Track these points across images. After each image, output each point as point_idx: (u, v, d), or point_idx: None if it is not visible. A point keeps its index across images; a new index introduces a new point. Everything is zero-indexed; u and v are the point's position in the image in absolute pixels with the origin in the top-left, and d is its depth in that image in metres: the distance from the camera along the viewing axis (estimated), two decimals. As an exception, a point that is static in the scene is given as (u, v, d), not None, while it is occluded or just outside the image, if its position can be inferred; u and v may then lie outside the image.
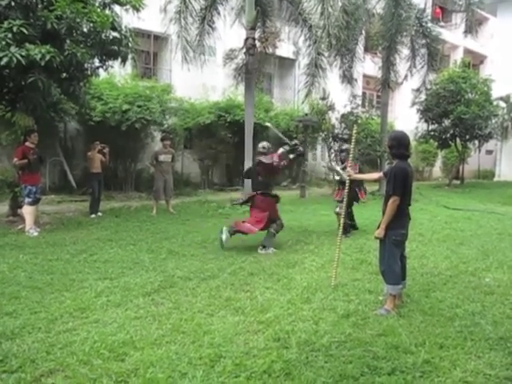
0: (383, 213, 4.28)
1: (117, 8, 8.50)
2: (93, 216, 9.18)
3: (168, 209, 10.17)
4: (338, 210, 7.70)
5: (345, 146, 8.32)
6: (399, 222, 4.21)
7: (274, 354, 3.25)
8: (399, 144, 4.25)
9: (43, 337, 3.47)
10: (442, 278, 5.34)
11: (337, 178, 7.83)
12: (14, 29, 6.68)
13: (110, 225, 8.36)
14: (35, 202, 7.71)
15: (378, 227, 4.28)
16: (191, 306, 4.23)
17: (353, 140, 4.98)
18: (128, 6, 8.33)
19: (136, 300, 4.35)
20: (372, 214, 8.94)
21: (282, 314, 4.05)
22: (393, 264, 4.23)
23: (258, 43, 12.00)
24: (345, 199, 5.09)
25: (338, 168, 7.57)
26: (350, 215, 7.99)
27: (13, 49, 6.63)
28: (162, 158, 10.09)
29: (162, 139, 10.57)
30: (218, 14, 12.39)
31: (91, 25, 7.50)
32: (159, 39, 15.30)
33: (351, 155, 5.08)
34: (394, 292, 4.22)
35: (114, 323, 3.77)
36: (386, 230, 4.19)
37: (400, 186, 4.13)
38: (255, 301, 4.38)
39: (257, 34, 12.12)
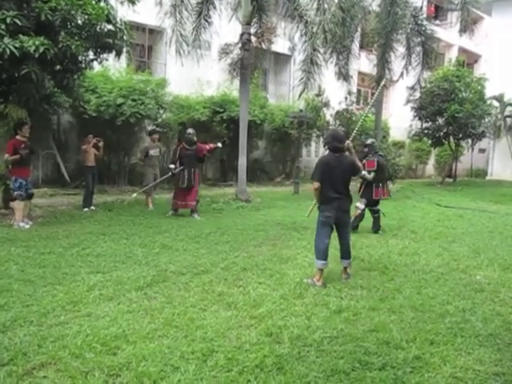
0: None
1: (112, 0, 8.44)
2: (86, 210, 9.13)
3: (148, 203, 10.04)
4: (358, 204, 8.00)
5: (369, 141, 8.31)
6: (326, 205, 4.93)
7: (266, 348, 3.27)
8: (333, 138, 4.99)
9: (35, 330, 3.46)
10: (434, 275, 5.38)
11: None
12: (8, 20, 6.61)
13: (102, 219, 8.32)
14: (29, 198, 7.65)
15: None
16: (184, 300, 4.24)
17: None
18: (123, -1, 8.30)
19: (128, 294, 4.35)
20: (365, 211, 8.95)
21: (275, 309, 4.07)
22: (317, 240, 4.97)
23: (253, 38, 11.96)
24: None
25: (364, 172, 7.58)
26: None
27: (6, 40, 6.56)
28: (152, 152, 10.09)
29: (150, 133, 10.58)
30: (215, 8, 12.33)
31: (86, 17, 7.43)
32: (154, 32, 15.18)
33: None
34: (318, 266, 4.88)
35: (106, 317, 3.76)
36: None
37: (316, 172, 4.89)
38: (248, 296, 4.39)
39: (252, 29, 12.08)
